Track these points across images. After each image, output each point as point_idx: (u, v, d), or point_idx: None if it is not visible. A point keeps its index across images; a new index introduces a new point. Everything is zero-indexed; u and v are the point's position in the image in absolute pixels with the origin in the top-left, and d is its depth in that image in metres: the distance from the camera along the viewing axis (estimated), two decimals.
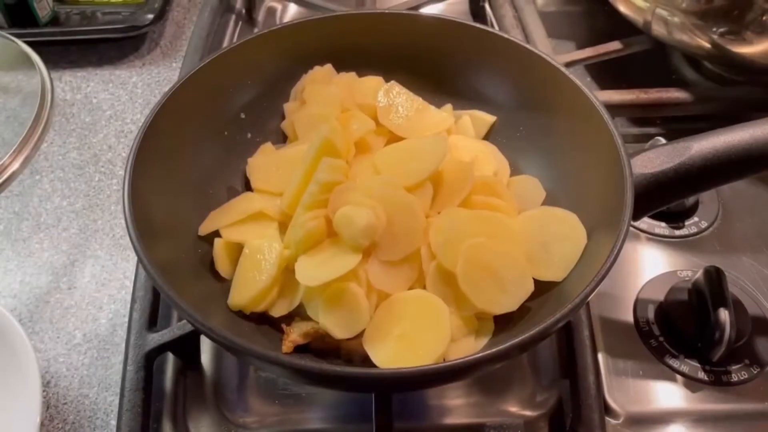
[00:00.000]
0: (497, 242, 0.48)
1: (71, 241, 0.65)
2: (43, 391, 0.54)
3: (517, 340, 0.39)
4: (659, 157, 0.49)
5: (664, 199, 0.50)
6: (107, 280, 0.62)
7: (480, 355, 0.39)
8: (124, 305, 0.60)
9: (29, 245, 0.65)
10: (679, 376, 0.54)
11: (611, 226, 0.46)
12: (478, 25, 0.58)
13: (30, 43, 0.75)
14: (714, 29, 0.69)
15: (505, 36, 0.57)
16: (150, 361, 0.50)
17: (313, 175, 0.49)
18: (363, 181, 0.50)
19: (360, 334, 0.46)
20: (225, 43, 0.82)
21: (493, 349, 0.39)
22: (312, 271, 0.46)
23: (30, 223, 0.67)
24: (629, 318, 0.57)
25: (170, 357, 0.54)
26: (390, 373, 0.42)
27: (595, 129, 0.51)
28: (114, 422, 0.52)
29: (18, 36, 0.78)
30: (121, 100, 0.79)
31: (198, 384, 0.54)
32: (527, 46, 0.56)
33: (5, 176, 0.63)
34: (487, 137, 0.60)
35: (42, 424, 0.47)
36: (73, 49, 0.85)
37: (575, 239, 0.49)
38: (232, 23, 0.85)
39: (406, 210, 0.48)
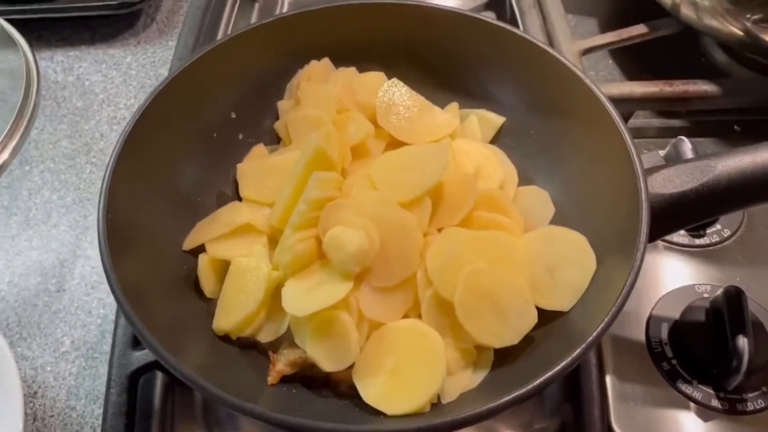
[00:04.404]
0: (499, 267, 0.44)
1: (61, 239, 0.63)
2: (30, 402, 0.54)
3: (522, 390, 0.36)
4: (680, 176, 0.45)
5: (684, 222, 0.46)
6: (97, 283, 0.60)
7: (482, 409, 0.36)
8: (113, 310, 0.58)
9: (18, 243, 0.63)
10: (691, 403, 0.50)
11: (623, 252, 0.42)
12: (489, 19, 0.53)
13: (20, 21, 0.71)
14: (748, 15, 0.63)
15: (519, 33, 0.52)
16: (134, 382, 0.48)
17: (303, 193, 0.46)
18: (356, 197, 0.47)
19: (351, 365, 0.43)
20: (222, 22, 0.77)
21: (495, 403, 0.36)
22: (299, 300, 0.43)
23: (19, 218, 0.64)
24: (641, 336, 0.54)
25: (158, 372, 0.52)
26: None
27: (610, 141, 0.46)
28: None
29: (6, 13, 0.74)
30: (114, 82, 0.75)
31: (187, 401, 0.52)
32: (542, 45, 0.51)
33: None
34: (494, 140, 0.56)
35: None
36: (65, 25, 0.81)
37: (583, 265, 0.45)
38: None
39: (401, 230, 0.45)
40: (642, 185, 0.42)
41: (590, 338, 0.37)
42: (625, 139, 0.45)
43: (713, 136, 0.66)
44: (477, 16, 0.53)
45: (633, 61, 0.75)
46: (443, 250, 0.45)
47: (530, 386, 0.37)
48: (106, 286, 0.58)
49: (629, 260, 0.41)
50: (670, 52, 0.75)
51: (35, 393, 0.54)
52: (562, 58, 0.49)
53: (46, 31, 0.80)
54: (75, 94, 0.74)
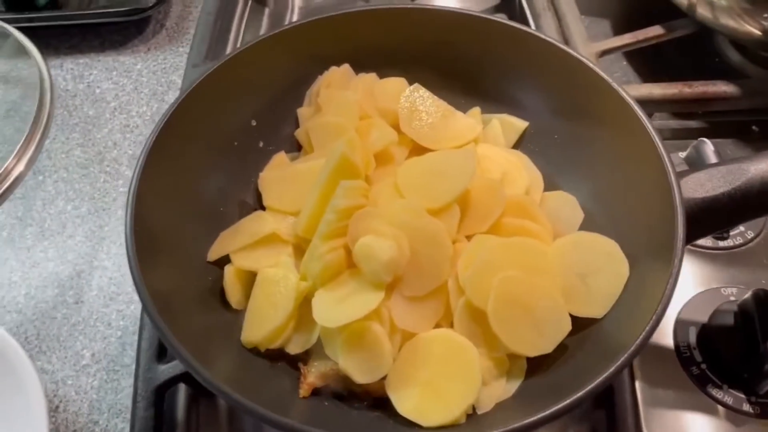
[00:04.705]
0: (532, 275, 0.44)
1: (77, 250, 0.62)
2: (52, 416, 0.53)
3: (563, 404, 0.36)
4: (711, 181, 0.45)
5: (716, 226, 0.46)
6: (115, 294, 0.59)
7: (521, 424, 0.35)
8: (133, 321, 0.57)
9: (33, 254, 0.62)
10: (721, 408, 0.50)
11: (658, 258, 0.42)
12: (511, 23, 0.53)
13: (28, 28, 0.70)
14: (765, 15, 0.63)
15: (542, 36, 0.52)
16: (161, 396, 0.48)
17: (330, 202, 0.45)
18: (384, 205, 0.46)
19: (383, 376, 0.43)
20: (233, 28, 0.76)
21: (536, 417, 0.35)
22: (331, 311, 0.43)
23: (34, 229, 0.64)
24: (668, 341, 0.53)
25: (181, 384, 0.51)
26: None
27: (640, 145, 0.46)
28: None
29: (15, 21, 0.73)
30: (125, 90, 0.75)
31: (212, 413, 0.51)
32: (566, 48, 0.51)
33: (11, 179, 0.60)
34: (517, 145, 0.55)
35: None
36: (74, 32, 0.80)
37: (616, 271, 0.45)
38: (241, 3, 0.79)
39: (431, 239, 0.45)
40: (676, 190, 0.42)
41: (633, 347, 0.37)
42: (656, 143, 0.44)
43: (731, 137, 0.66)
44: (500, 19, 0.53)
45: (647, 62, 0.75)
46: (474, 258, 0.44)
47: (571, 399, 0.36)
48: (124, 298, 0.58)
49: (666, 266, 0.40)
50: (683, 53, 0.74)
51: (57, 407, 0.53)
52: (588, 62, 0.49)
53: (54, 39, 0.79)
54: (86, 102, 0.74)
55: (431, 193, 0.47)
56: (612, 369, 0.36)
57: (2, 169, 0.59)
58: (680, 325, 0.54)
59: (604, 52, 0.68)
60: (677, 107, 0.65)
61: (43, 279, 0.60)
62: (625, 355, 0.37)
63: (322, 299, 0.44)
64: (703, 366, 0.52)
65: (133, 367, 0.54)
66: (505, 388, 0.43)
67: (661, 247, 0.42)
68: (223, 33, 0.74)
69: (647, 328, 0.38)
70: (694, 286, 0.56)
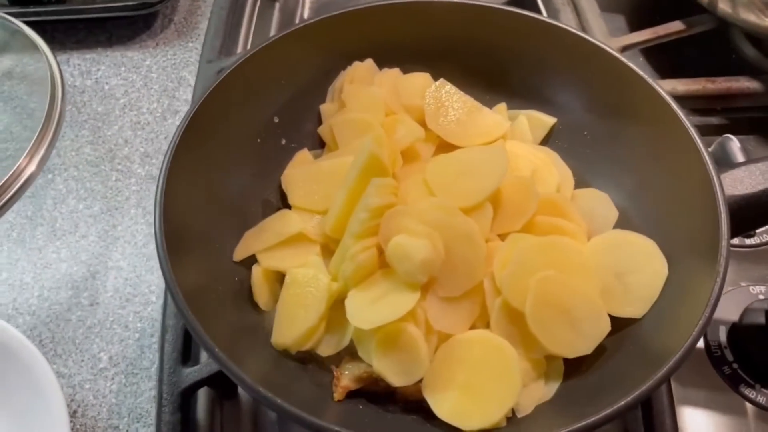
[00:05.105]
0: (569, 275, 0.43)
1: (90, 251, 0.60)
2: (71, 422, 0.51)
3: (608, 411, 0.35)
4: (751, 177, 0.44)
5: (755, 224, 0.46)
6: (131, 295, 0.58)
7: (572, 428, 0.34)
8: (151, 323, 0.56)
9: (45, 255, 0.60)
10: (754, 408, 0.49)
11: (700, 257, 0.41)
12: (540, 16, 0.52)
13: (34, 23, 0.68)
14: None
15: (573, 30, 0.51)
16: (186, 400, 0.47)
17: (362, 200, 0.44)
18: (416, 203, 0.45)
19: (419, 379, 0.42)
20: (244, 22, 0.75)
21: (579, 424, 0.34)
22: (365, 312, 0.42)
23: (45, 229, 0.62)
24: (699, 341, 0.52)
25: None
26: None
27: (676, 141, 0.45)
28: None
29: (20, 15, 0.71)
30: (135, 86, 0.73)
31: (235, 416, 0.50)
32: (599, 43, 0.50)
33: (22, 180, 0.58)
34: (545, 142, 0.54)
35: None
36: (80, 27, 0.78)
37: (654, 270, 0.44)
38: None
39: (466, 238, 0.43)
40: (718, 187, 0.41)
41: (681, 351, 0.36)
42: (695, 139, 0.44)
43: (753, 133, 0.66)
44: (526, 12, 0.52)
45: (664, 58, 0.74)
46: (510, 258, 0.43)
47: (618, 406, 0.35)
48: (141, 299, 0.57)
49: (709, 266, 0.39)
50: (698, 49, 0.73)
51: (75, 412, 0.52)
52: (621, 57, 0.48)
53: (60, 34, 0.77)
54: (95, 98, 0.72)
55: (462, 192, 0.46)
56: (660, 374, 0.36)
57: (13, 169, 0.57)
58: (710, 323, 0.53)
59: (625, 48, 0.67)
60: (701, 103, 0.65)
61: (57, 280, 0.59)
62: (674, 360, 0.36)
63: (356, 300, 0.42)
64: (735, 365, 0.51)
65: (152, 370, 0.53)
66: (545, 391, 0.42)
67: (703, 246, 0.41)
68: (234, 28, 0.73)
69: (695, 331, 0.37)
70: None
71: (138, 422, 0.51)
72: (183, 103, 0.71)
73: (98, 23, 0.78)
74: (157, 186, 0.43)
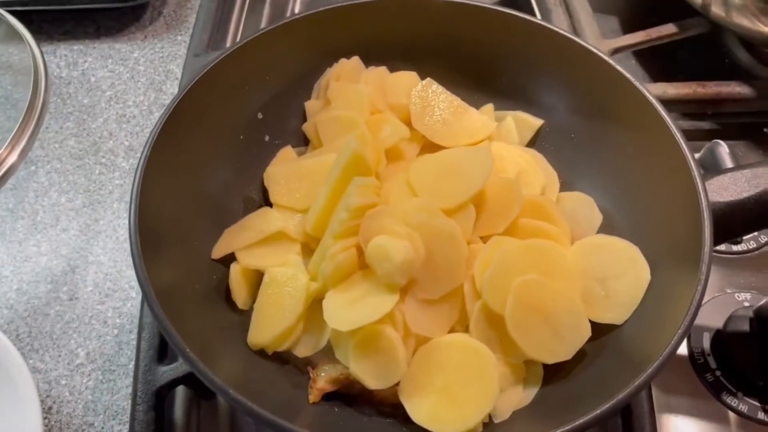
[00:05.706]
0: (550, 279, 0.42)
1: (71, 244, 0.60)
2: (45, 418, 0.51)
3: (586, 418, 0.34)
4: (736, 184, 0.43)
5: (739, 231, 0.45)
6: (111, 291, 0.57)
7: None
8: (130, 320, 0.55)
9: (25, 248, 0.59)
10: (736, 416, 0.49)
11: (682, 264, 0.41)
12: (529, 16, 0.51)
13: (20, 12, 0.67)
14: None
15: (561, 31, 0.50)
16: (161, 399, 0.46)
17: (343, 199, 0.43)
18: (397, 204, 0.44)
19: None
20: (233, 17, 0.74)
21: (563, 428, 0.34)
22: (342, 313, 0.41)
23: (26, 222, 0.61)
24: (682, 347, 0.52)
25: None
26: None
27: (662, 146, 0.45)
28: None
29: (5, 4, 0.70)
30: (121, 78, 0.72)
31: (213, 415, 0.49)
32: (587, 45, 0.49)
33: (2, 170, 0.57)
34: (532, 143, 0.53)
35: None
36: (67, 18, 0.77)
37: (637, 276, 0.43)
38: None
39: (446, 240, 0.43)
40: (703, 194, 0.41)
41: (661, 358, 0.35)
42: (681, 145, 0.43)
43: (742, 138, 0.65)
44: (517, 13, 0.51)
45: (656, 61, 0.74)
46: (491, 261, 0.42)
47: (596, 413, 0.35)
48: (120, 295, 0.56)
49: (691, 273, 0.39)
50: (691, 52, 0.73)
51: (50, 408, 0.51)
52: (609, 60, 0.48)
53: (47, 24, 0.76)
54: (81, 90, 0.71)
55: (445, 192, 0.45)
56: (639, 380, 0.35)
57: None
58: (694, 330, 0.53)
59: (616, 50, 0.66)
60: (690, 107, 0.64)
61: (36, 274, 0.58)
62: (654, 366, 0.35)
63: (334, 301, 0.42)
64: (718, 373, 0.51)
65: (130, 367, 0.53)
66: (522, 396, 0.42)
67: (686, 253, 0.41)
68: (224, 22, 0.72)
69: (675, 338, 0.36)
70: (707, 291, 0.55)
71: (114, 419, 0.51)
72: (170, 96, 0.70)
73: (87, 14, 0.77)
74: (134, 179, 0.42)
